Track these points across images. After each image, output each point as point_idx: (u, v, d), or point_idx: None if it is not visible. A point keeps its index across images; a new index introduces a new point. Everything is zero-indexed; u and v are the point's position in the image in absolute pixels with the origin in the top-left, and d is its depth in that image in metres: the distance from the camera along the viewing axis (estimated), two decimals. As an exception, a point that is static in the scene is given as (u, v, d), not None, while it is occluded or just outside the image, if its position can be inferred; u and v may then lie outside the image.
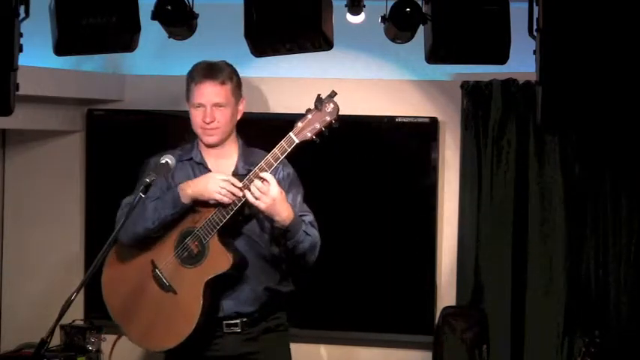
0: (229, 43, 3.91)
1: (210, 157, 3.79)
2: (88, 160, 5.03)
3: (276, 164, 3.58)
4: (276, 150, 3.58)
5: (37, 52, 3.83)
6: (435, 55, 3.61)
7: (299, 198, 3.76)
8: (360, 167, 4.80)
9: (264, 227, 3.74)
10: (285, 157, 3.58)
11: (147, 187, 3.49)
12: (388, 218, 4.77)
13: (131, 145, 4.90)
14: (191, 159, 3.80)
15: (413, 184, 4.79)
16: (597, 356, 4.21)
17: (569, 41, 3.38)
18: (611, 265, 4.55)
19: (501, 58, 3.58)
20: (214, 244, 3.61)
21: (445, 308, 4.67)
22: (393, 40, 3.74)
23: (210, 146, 3.77)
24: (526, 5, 3.49)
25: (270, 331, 3.79)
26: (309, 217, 3.75)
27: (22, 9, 3.56)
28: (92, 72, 4.93)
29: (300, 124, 3.58)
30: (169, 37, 3.79)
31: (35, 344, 3.33)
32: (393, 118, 4.77)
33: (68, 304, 3.28)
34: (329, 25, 3.62)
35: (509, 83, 4.63)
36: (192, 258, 3.64)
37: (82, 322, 4.77)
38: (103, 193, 4.94)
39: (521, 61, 3.68)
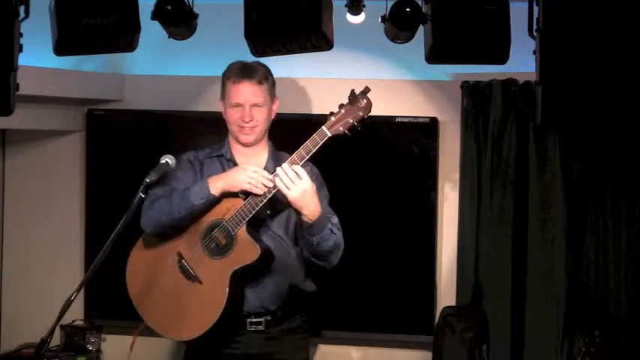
0: (229, 43, 3.91)
1: (240, 155, 3.84)
2: (88, 160, 5.03)
3: (307, 157, 3.63)
4: (308, 143, 3.63)
5: (37, 52, 3.83)
6: (435, 55, 3.61)
7: (325, 201, 3.80)
8: (360, 167, 4.80)
9: (289, 226, 3.80)
10: (317, 149, 3.62)
11: (147, 188, 3.50)
12: (388, 218, 4.77)
13: (131, 145, 4.90)
14: (221, 155, 3.85)
15: (413, 184, 4.79)
16: (597, 356, 4.21)
17: (569, 41, 3.38)
18: (611, 265, 4.55)
19: (501, 58, 3.58)
20: (242, 235, 3.65)
21: (445, 308, 4.66)
22: (393, 40, 3.74)
23: (245, 145, 3.81)
24: (526, 5, 3.49)
25: (291, 332, 3.85)
26: (335, 219, 3.80)
27: (22, 9, 3.56)
28: (92, 72, 4.93)
29: (333, 119, 3.64)
30: (169, 37, 3.80)
31: (35, 344, 3.34)
32: (393, 118, 4.77)
33: (68, 304, 3.29)
34: (329, 25, 3.62)
35: (509, 83, 4.63)
36: (219, 249, 3.68)
37: (82, 322, 4.78)
38: (102, 193, 4.95)
39: (521, 61, 3.68)
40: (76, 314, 4.73)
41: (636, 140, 4.41)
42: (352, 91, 3.65)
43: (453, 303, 4.72)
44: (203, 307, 3.68)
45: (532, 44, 3.47)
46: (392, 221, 4.77)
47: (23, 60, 3.59)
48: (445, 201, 4.80)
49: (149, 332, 3.91)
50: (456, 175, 4.75)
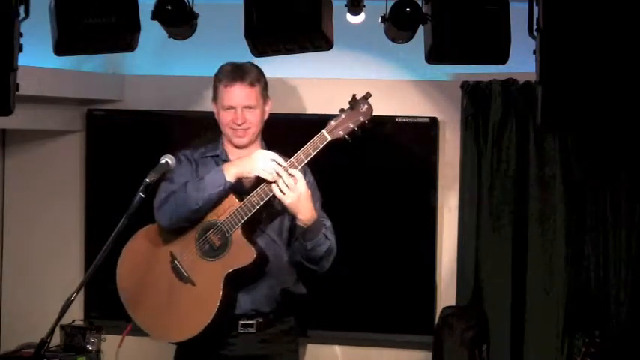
0: (229, 43, 3.91)
1: (234, 157, 3.82)
2: (88, 160, 5.03)
3: (306, 160, 3.61)
4: (307, 146, 3.61)
5: (37, 52, 3.83)
6: (435, 55, 3.61)
7: (318, 204, 3.78)
8: (360, 167, 4.80)
9: (283, 228, 3.78)
10: (317, 153, 3.60)
11: (147, 188, 3.50)
12: (388, 218, 4.77)
13: (131, 145, 4.90)
14: (216, 156, 3.84)
15: (413, 184, 4.78)
16: (597, 356, 4.21)
17: (569, 41, 3.38)
18: (611, 264, 4.55)
19: (501, 58, 3.58)
20: (238, 237, 3.63)
21: (445, 308, 4.66)
22: (393, 40, 3.74)
23: (239, 147, 3.79)
24: (526, 5, 3.49)
25: (283, 334, 3.83)
26: (328, 223, 3.79)
27: (22, 9, 3.56)
28: (92, 72, 4.93)
29: (333, 123, 3.62)
30: (169, 37, 3.80)
31: (35, 344, 3.34)
32: (393, 118, 4.77)
33: (68, 304, 3.29)
34: (329, 25, 3.62)
35: (509, 83, 4.63)
36: (213, 251, 3.66)
37: (82, 322, 4.77)
38: (103, 193, 4.95)
39: (521, 61, 3.68)
40: (76, 314, 4.73)
41: (636, 140, 4.41)
42: (354, 96, 3.64)
43: (453, 303, 4.72)
44: (195, 309, 3.65)
45: (532, 44, 3.47)
46: (392, 221, 4.77)
47: (23, 60, 3.59)
48: (445, 201, 4.80)
49: (140, 331, 3.90)
50: (456, 175, 4.75)
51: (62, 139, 5.10)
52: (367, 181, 4.81)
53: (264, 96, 3.81)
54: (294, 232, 3.71)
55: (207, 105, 4.91)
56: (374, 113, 4.76)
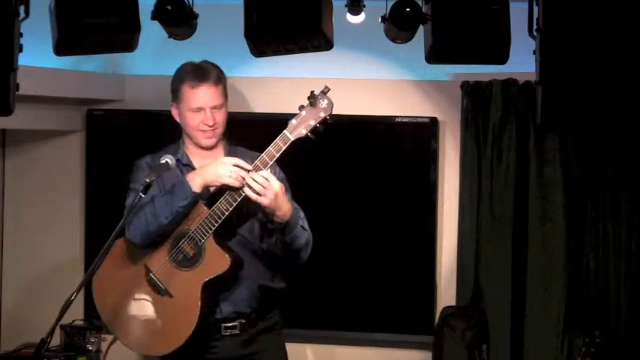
0: (229, 43, 3.91)
1: (196, 158, 3.78)
2: (88, 160, 5.03)
3: (271, 162, 3.56)
4: (271, 148, 3.56)
5: (37, 52, 3.83)
6: (435, 55, 3.61)
7: (288, 195, 3.71)
8: (360, 167, 4.80)
9: (255, 225, 3.73)
10: (281, 154, 3.56)
11: (147, 187, 3.49)
12: (388, 218, 4.77)
13: (131, 145, 4.89)
14: (178, 160, 3.77)
15: (413, 185, 4.79)
16: (597, 356, 4.21)
17: (569, 41, 3.38)
18: (611, 264, 4.56)
19: (501, 58, 3.58)
20: (210, 245, 3.58)
21: (445, 308, 4.67)
22: (393, 40, 3.74)
23: (206, 148, 3.76)
24: (526, 5, 3.49)
25: (267, 331, 3.79)
26: (302, 213, 3.73)
27: (22, 9, 3.56)
28: (92, 72, 4.93)
29: (294, 122, 3.57)
30: (169, 37, 3.79)
31: (35, 344, 3.34)
32: (393, 118, 4.77)
33: (68, 304, 3.29)
34: (329, 25, 3.61)
35: (509, 83, 4.63)
36: (187, 260, 3.61)
37: (82, 322, 4.77)
38: (102, 193, 4.95)
39: (521, 61, 3.68)
40: (76, 314, 4.73)
41: (636, 140, 4.41)
42: (312, 92, 3.58)
43: (453, 303, 4.72)
44: (176, 320, 3.61)
45: (532, 44, 3.46)
46: (392, 221, 4.77)
47: (23, 60, 3.59)
48: (445, 201, 4.80)
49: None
50: (456, 176, 4.75)
51: (62, 139, 5.10)
52: (367, 181, 4.81)
53: (226, 94, 3.78)
54: (265, 226, 3.67)
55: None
56: (375, 113, 4.80)
